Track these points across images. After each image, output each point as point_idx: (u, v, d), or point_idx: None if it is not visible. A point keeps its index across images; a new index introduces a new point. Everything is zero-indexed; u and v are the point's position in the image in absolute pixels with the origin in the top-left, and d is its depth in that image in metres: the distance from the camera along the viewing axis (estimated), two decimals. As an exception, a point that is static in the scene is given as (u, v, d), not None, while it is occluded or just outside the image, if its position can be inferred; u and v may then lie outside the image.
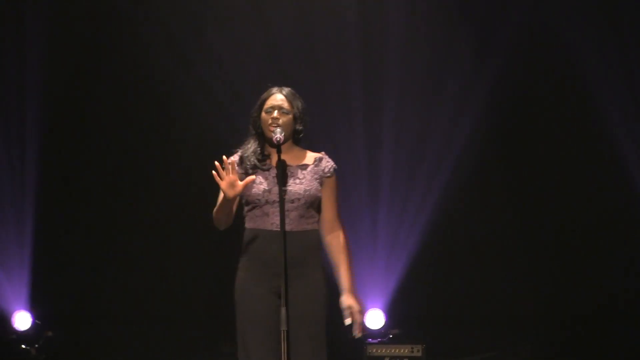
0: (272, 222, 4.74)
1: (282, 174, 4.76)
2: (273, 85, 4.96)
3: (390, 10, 8.35)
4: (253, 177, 4.72)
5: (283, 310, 4.52)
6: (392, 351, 7.78)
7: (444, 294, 8.32)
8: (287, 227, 4.71)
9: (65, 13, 8.51)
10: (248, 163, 4.84)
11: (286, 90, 4.93)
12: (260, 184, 4.79)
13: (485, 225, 8.36)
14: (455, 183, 8.27)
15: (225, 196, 4.64)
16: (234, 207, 4.81)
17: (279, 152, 4.74)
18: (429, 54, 8.39)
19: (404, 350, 7.76)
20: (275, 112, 4.82)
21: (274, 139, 4.72)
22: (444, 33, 8.36)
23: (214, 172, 4.56)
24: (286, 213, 4.73)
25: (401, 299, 8.20)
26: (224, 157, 4.55)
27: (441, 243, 8.32)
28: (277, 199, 4.73)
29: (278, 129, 4.75)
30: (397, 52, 8.34)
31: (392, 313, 8.15)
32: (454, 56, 8.34)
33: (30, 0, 8.53)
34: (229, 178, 4.57)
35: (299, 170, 4.85)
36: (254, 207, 4.81)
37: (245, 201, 4.85)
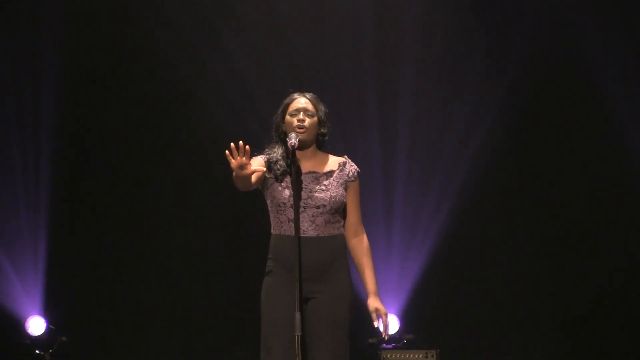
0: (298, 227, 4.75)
1: (297, 180, 4.78)
2: (294, 90, 4.98)
3: (405, 15, 8.34)
4: (264, 168, 4.73)
5: (297, 315, 4.53)
6: (407, 356, 7.77)
7: (458, 299, 8.29)
8: (314, 233, 4.76)
9: (81, 17, 8.53)
10: (278, 168, 4.84)
11: (309, 94, 4.96)
12: (287, 187, 4.80)
13: (500, 230, 8.34)
14: (469, 188, 8.25)
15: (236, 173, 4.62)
16: (252, 181, 4.73)
17: (293, 156, 4.75)
18: (444, 60, 8.37)
19: (418, 355, 7.75)
20: (301, 114, 4.84)
21: (289, 144, 4.73)
22: (459, 38, 8.35)
23: (227, 151, 4.53)
24: (312, 219, 4.77)
25: (415, 304, 8.19)
26: (241, 142, 4.51)
27: (455, 248, 8.30)
28: (302, 204, 4.76)
29: (293, 134, 4.76)
30: (412, 58, 8.33)
31: (407, 318, 8.14)
32: (468, 62, 8.32)
33: (45, 4, 8.53)
34: (240, 160, 4.51)
35: (325, 177, 4.86)
36: (279, 212, 4.82)
37: (270, 203, 4.87)
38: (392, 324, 8.01)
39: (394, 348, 7.87)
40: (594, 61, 8.15)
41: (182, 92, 8.53)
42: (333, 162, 4.93)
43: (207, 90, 8.46)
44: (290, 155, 4.76)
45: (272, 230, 4.89)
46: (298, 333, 4.52)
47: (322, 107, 4.93)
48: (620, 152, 8.15)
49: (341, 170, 4.90)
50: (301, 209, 4.76)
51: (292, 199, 4.77)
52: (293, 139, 4.73)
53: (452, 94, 8.36)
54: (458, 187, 8.26)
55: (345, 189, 4.88)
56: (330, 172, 4.88)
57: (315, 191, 4.80)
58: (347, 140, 7.90)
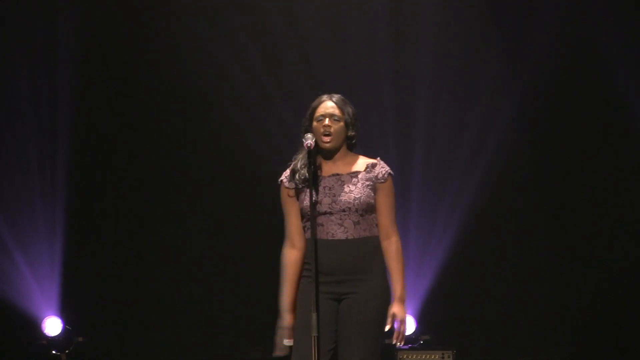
0: (327, 231, 4.74)
1: (314, 182, 4.76)
2: (322, 93, 4.94)
3: (422, 16, 8.32)
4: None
5: (314, 316, 4.54)
6: (423, 357, 7.76)
7: (474, 299, 8.28)
8: (343, 236, 4.73)
9: (99, 18, 8.54)
10: (299, 177, 4.83)
11: (336, 97, 4.90)
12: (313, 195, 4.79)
13: (516, 231, 8.32)
14: (486, 189, 8.23)
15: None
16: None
17: (309, 157, 4.73)
18: (460, 61, 8.35)
19: (434, 356, 7.74)
20: (327, 120, 4.80)
21: (304, 144, 4.72)
22: (475, 39, 8.32)
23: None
24: (340, 222, 4.74)
25: (432, 304, 8.18)
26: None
27: (472, 248, 8.28)
28: (328, 210, 4.75)
29: (309, 134, 4.75)
30: (429, 60, 8.31)
31: (423, 319, 8.12)
32: (485, 63, 8.29)
33: (62, 6, 8.55)
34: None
35: (350, 178, 4.83)
36: (308, 219, 4.80)
37: (302, 213, 4.85)
38: (409, 330, 7.99)
39: (411, 349, 7.86)
40: (612, 60, 8.12)
41: (200, 95, 8.52)
42: (362, 163, 4.89)
43: (225, 93, 8.44)
44: (307, 156, 4.75)
45: (305, 235, 4.86)
46: (314, 334, 4.52)
47: (349, 110, 4.87)
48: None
49: (368, 172, 4.85)
50: (328, 214, 4.75)
51: (318, 206, 4.76)
52: (309, 140, 4.72)
53: (469, 97, 8.33)
54: (474, 188, 8.24)
55: (373, 190, 4.84)
56: (356, 173, 4.84)
57: (340, 194, 4.78)
58: (362, 142, 7.88)
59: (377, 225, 4.85)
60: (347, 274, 4.70)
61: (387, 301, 4.78)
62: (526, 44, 8.23)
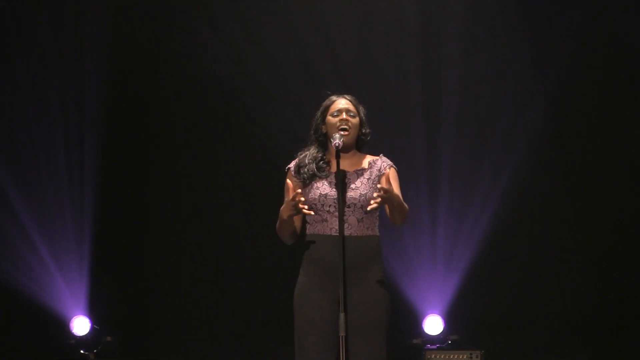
0: (331, 227, 4.75)
1: (342, 181, 4.76)
2: (332, 93, 4.99)
3: (450, 15, 8.32)
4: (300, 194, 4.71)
5: (342, 315, 4.52)
6: (451, 357, 7.74)
7: (502, 299, 8.25)
8: (346, 232, 4.73)
9: (125, 17, 8.57)
10: (305, 171, 4.83)
11: (348, 95, 4.99)
12: (317, 189, 4.80)
13: (545, 230, 8.29)
14: (515, 187, 8.20)
15: (283, 215, 4.72)
16: (298, 225, 4.88)
17: (337, 157, 4.73)
18: (488, 60, 8.32)
19: (462, 356, 7.73)
20: (344, 114, 4.84)
21: (333, 144, 4.73)
22: (503, 37, 8.29)
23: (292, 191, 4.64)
24: (344, 218, 4.73)
25: (460, 304, 8.16)
26: (299, 190, 4.64)
27: (500, 248, 8.25)
28: (334, 204, 4.75)
29: (337, 135, 4.75)
30: (457, 58, 8.30)
31: (451, 319, 8.10)
32: (513, 61, 8.27)
33: (90, 9, 8.58)
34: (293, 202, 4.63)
35: (356, 175, 4.85)
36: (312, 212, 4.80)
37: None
38: (435, 325, 8.00)
39: (439, 349, 7.85)
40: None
41: (227, 96, 8.53)
42: (366, 161, 4.93)
43: (252, 92, 8.46)
44: (336, 156, 4.74)
45: (306, 231, 4.88)
46: (342, 333, 4.50)
47: (362, 108, 4.97)
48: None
49: (371, 167, 4.88)
50: (332, 209, 4.75)
51: (322, 199, 4.77)
52: (337, 140, 4.73)
53: (497, 94, 8.29)
54: (502, 188, 8.21)
55: (378, 183, 4.83)
56: (361, 171, 4.87)
57: (346, 191, 4.78)
58: (391, 139, 7.88)
59: (378, 224, 4.85)
60: (348, 271, 4.65)
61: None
62: (555, 41, 8.19)
